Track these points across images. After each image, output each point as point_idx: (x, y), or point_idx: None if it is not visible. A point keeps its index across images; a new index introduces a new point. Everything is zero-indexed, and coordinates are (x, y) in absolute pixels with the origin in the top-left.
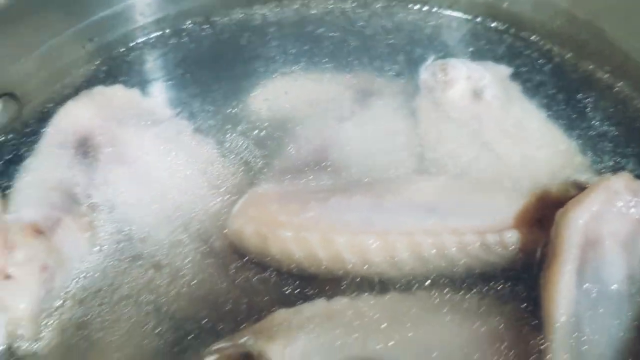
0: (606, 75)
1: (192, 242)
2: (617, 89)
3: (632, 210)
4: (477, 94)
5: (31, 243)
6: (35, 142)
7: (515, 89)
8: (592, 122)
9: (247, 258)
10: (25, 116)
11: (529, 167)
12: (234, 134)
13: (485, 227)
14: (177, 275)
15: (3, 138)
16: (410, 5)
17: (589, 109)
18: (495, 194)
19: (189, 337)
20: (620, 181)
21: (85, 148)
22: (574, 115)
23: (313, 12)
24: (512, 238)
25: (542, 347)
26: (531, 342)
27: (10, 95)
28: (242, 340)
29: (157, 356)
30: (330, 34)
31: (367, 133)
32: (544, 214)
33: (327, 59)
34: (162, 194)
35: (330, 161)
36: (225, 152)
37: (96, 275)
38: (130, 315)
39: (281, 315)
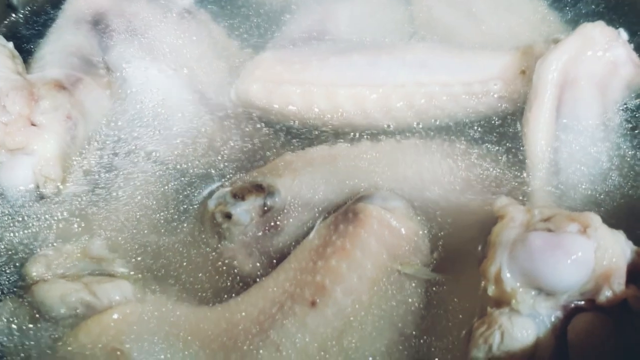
0: None
1: (203, 104)
2: None
3: (607, 54)
4: None
5: (55, 95)
6: (53, 18)
7: None
8: None
9: (254, 115)
10: None
11: (514, 33)
12: (238, 12)
13: (473, 78)
14: (188, 131)
15: (23, 14)
16: None
17: None
18: (482, 52)
19: (202, 181)
20: (596, 28)
21: (100, 23)
22: None
23: None
24: (497, 86)
25: (525, 177)
26: (515, 175)
27: None
28: (253, 177)
29: (173, 197)
30: None
31: (362, 8)
32: (527, 67)
33: None
34: (173, 63)
35: (327, 33)
36: (230, 27)
37: (115, 129)
38: (147, 165)
39: (287, 157)
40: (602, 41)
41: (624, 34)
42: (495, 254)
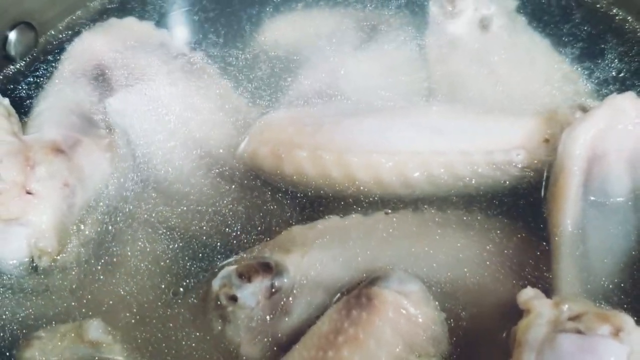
0: (614, 10)
1: (207, 166)
2: (621, 20)
3: (638, 127)
4: (484, 25)
5: (52, 160)
6: (51, 70)
7: (521, 20)
8: (598, 54)
9: (261, 180)
10: (42, 45)
11: (536, 94)
12: (246, 66)
13: (493, 146)
14: (192, 197)
15: (20, 66)
16: None
17: (595, 41)
18: (503, 117)
19: (206, 254)
20: (627, 100)
21: (100, 76)
22: (580, 47)
23: None
24: (520, 156)
25: (548, 260)
26: (538, 254)
27: (26, 24)
28: (260, 254)
29: (175, 272)
30: None
31: (376, 64)
32: (551, 135)
33: None
34: (177, 121)
35: (340, 90)
36: (237, 82)
37: (115, 195)
38: (148, 235)
39: (296, 230)
40: (632, 114)
41: None
42: (522, 355)
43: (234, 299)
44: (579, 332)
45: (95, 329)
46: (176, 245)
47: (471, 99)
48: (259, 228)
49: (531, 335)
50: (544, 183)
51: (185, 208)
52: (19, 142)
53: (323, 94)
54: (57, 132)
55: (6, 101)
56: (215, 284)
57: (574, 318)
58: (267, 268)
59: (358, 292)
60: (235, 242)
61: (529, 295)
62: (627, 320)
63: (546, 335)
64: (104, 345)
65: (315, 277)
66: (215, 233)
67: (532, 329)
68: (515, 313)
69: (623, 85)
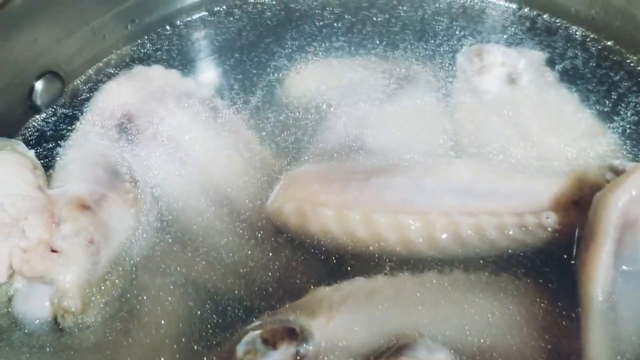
0: None
1: (232, 221)
2: None
3: None
4: (512, 80)
5: (77, 217)
6: (77, 120)
7: (550, 75)
8: (628, 110)
9: (286, 237)
10: (68, 95)
11: (565, 153)
12: (272, 116)
13: (523, 208)
14: (217, 254)
15: (45, 115)
16: None
17: (624, 96)
18: (532, 177)
19: (230, 315)
20: None
21: (126, 126)
22: (609, 103)
23: None
24: (550, 220)
25: (578, 327)
26: (567, 322)
27: (53, 74)
28: (284, 316)
29: (199, 333)
30: (368, 19)
31: (403, 117)
32: (580, 197)
33: (364, 43)
34: (202, 173)
35: (366, 144)
36: (263, 133)
37: (139, 250)
38: (172, 293)
39: (321, 292)
40: None
41: None
42: None
43: None
44: None
45: None
46: (199, 302)
47: (498, 154)
48: (284, 286)
49: None
50: (574, 245)
51: (209, 264)
52: (44, 197)
53: (349, 146)
54: (83, 186)
55: (31, 153)
56: (240, 349)
57: None
58: (293, 334)
59: None
60: (259, 300)
61: None
62: None
63: None
64: None
65: (341, 343)
66: (238, 290)
67: None
68: None
69: None
